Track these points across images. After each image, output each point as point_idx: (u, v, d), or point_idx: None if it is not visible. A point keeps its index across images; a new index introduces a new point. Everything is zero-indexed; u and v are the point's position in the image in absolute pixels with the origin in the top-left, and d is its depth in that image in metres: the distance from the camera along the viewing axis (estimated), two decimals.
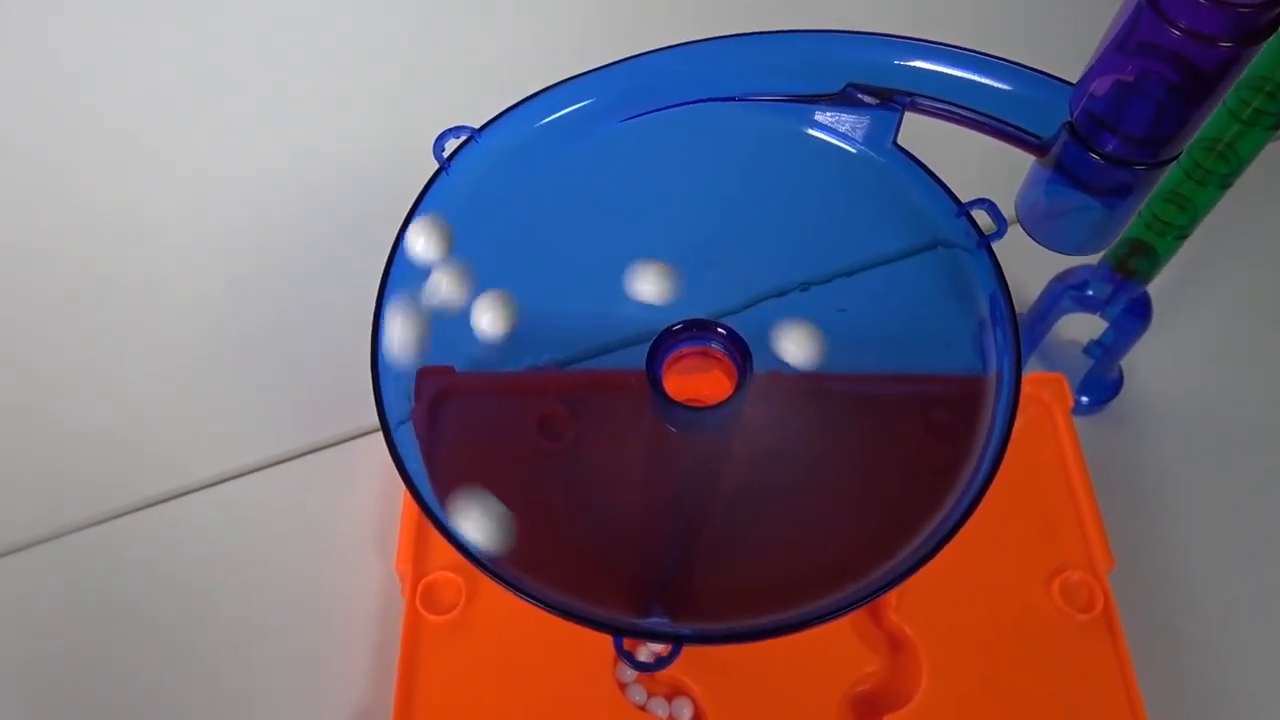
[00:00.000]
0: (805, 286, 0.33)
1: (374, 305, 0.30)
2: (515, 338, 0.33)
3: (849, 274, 0.33)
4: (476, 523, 0.29)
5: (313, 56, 0.57)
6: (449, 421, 0.32)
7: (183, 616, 0.41)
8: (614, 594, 0.30)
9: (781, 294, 0.33)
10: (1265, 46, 0.35)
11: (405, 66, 0.57)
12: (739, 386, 0.30)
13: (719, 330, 0.30)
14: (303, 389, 0.46)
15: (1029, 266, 0.47)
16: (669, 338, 0.30)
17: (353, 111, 0.55)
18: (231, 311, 0.48)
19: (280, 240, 0.50)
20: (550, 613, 0.27)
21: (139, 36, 0.58)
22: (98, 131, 0.54)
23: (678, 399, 0.30)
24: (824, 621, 0.28)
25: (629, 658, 0.28)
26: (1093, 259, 0.43)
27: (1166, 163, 0.27)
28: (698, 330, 0.30)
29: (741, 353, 0.30)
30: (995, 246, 0.31)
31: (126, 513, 0.43)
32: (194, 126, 0.55)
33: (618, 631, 0.27)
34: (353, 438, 0.45)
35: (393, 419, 0.29)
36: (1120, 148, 0.27)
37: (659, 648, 0.32)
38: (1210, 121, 0.37)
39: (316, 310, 0.48)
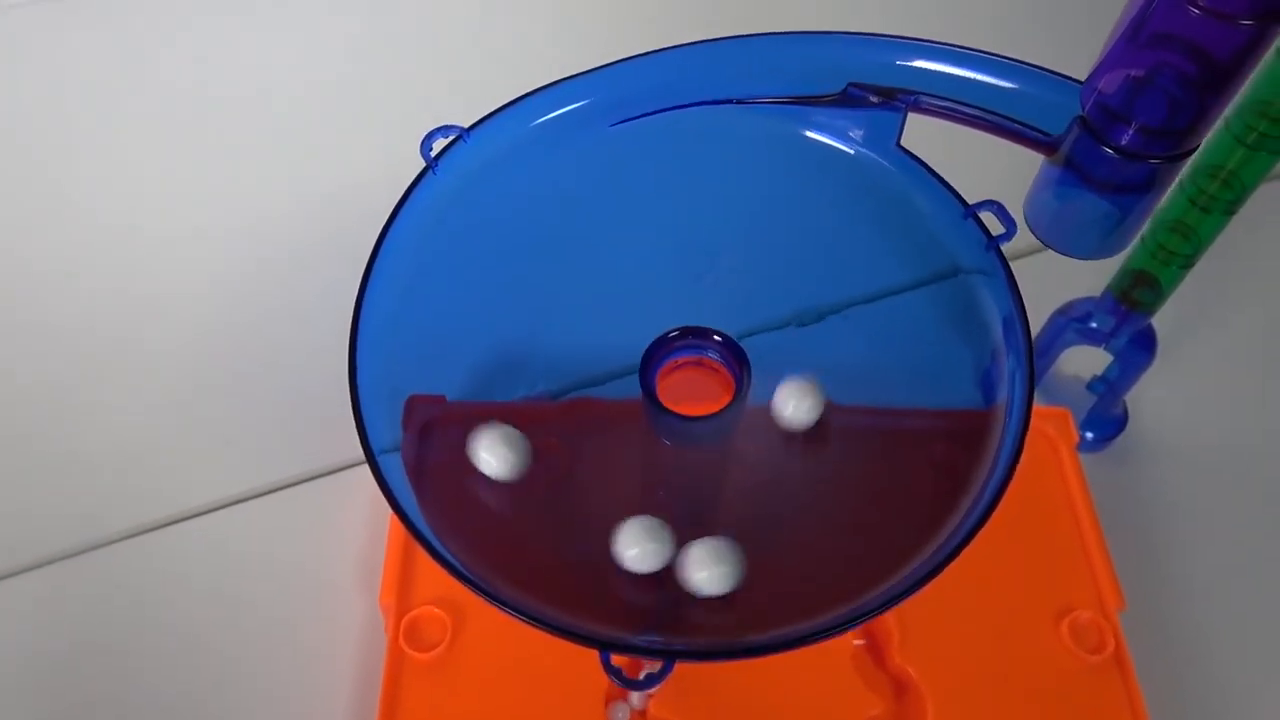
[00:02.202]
0: (802, 323, 0.32)
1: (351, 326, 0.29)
2: (508, 366, 0.32)
3: (851, 305, 0.32)
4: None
5: (313, 86, 0.57)
6: (438, 451, 0.32)
7: (159, 649, 0.40)
8: (608, 621, 0.29)
9: (781, 326, 0.32)
10: (1268, 70, 0.35)
11: (405, 93, 0.57)
12: (736, 395, 0.28)
13: (715, 338, 0.29)
14: (289, 419, 0.46)
15: (1031, 299, 0.46)
16: (663, 345, 0.29)
17: (350, 141, 0.54)
18: (218, 341, 0.48)
19: (269, 270, 0.50)
20: (537, 627, 0.26)
21: (135, 61, 0.58)
22: (88, 157, 0.54)
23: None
24: (810, 642, 0.26)
25: (618, 675, 0.26)
26: (1095, 290, 0.42)
27: (1185, 155, 0.26)
28: (694, 338, 0.29)
29: (739, 361, 0.29)
30: None
31: (105, 544, 0.42)
32: (187, 154, 0.54)
33: (605, 646, 0.26)
34: (340, 469, 0.44)
35: (376, 444, 0.28)
36: (1135, 140, 0.26)
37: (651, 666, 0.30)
38: (1213, 147, 0.37)
39: (305, 340, 0.47)
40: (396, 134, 0.39)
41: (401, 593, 0.38)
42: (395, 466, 0.28)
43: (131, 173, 0.54)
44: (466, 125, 0.31)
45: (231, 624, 0.41)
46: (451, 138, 0.30)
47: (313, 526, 0.43)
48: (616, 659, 0.26)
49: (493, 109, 0.31)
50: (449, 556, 0.26)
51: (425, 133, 0.30)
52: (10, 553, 0.42)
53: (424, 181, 0.30)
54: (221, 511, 0.43)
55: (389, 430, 0.29)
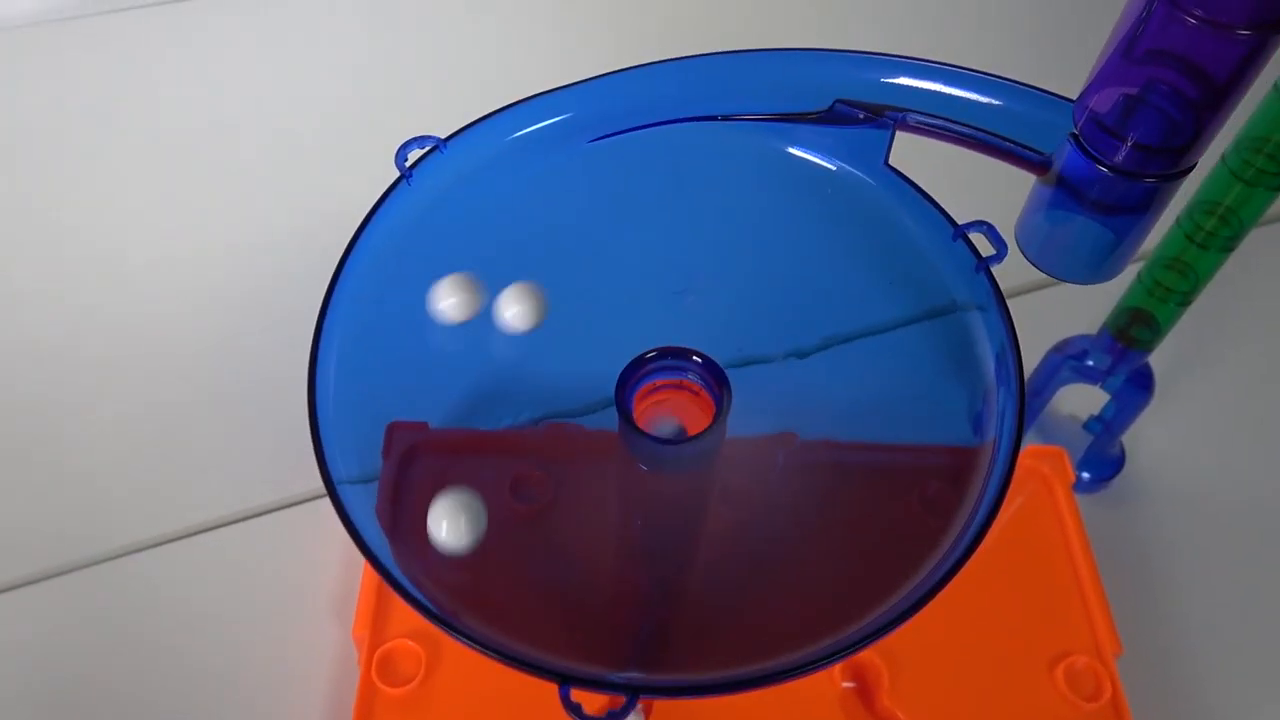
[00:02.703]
0: (801, 355, 0.31)
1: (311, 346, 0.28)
2: (491, 394, 0.32)
3: (839, 333, 0.31)
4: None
5: (303, 112, 0.57)
6: (419, 479, 0.31)
7: (130, 675, 0.39)
8: (589, 656, 0.28)
9: (766, 360, 0.31)
10: (1265, 106, 0.34)
11: (401, 113, 0.57)
12: (715, 418, 0.27)
13: (694, 359, 0.28)
14: (267, 445, 0.45)
15: (1026, 336, 0.45)
16: (640, 366, 0.28)
17: (337, 163, 0.54)
18: (198, 366, 0.48)
19: (250, 294, 0.49)
20: (489, 656, 0.25)
21: (128, 85, 0.58)
22: (79, 178, 0.54)
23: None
24: (779, 681, 0.25)
25: (577, 712, 0.24)
26: (1091, 327, 0.42)
27: (1182, 174, 0.25)
28: (672, 359, 0.28)
29: (719, 383, 0.27)
30: None
31: (78, 568, 0.42)
32: (172, 177, 0.54)
33: (562, 680, 0.24)
34: (317, 497, 0.44)
35: (337, 474, 0.27)
36: (1130, 158, 0.25)
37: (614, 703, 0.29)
38: (1211, 182, 0.36)
39: (286, 364, 0.46)
40: (388, 153, 0.39)
41: (376, 625, 0.37)
42: (357, 495, 0.27)
43: (119, 194, 0.54)
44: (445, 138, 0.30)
45: (202, 651, 0.40)
46: (428, 148, 0.30)
47: (288, 555, 0.42)
48: (582, 695, 0.24)
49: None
50: (397, 575, 0.25)
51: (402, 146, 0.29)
52: None
53: (397, 193, 0.29)
54: (196, 537, 0.43)
55: (363, 456, 0.28)
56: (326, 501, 0.41)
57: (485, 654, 0.25)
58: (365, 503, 0.27)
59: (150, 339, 0.48)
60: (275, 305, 0.49)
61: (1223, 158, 0.36)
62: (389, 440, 0.30)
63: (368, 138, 0.54)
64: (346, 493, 0.26)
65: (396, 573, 0.26)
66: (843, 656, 0.25)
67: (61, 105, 0.57)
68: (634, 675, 0.26)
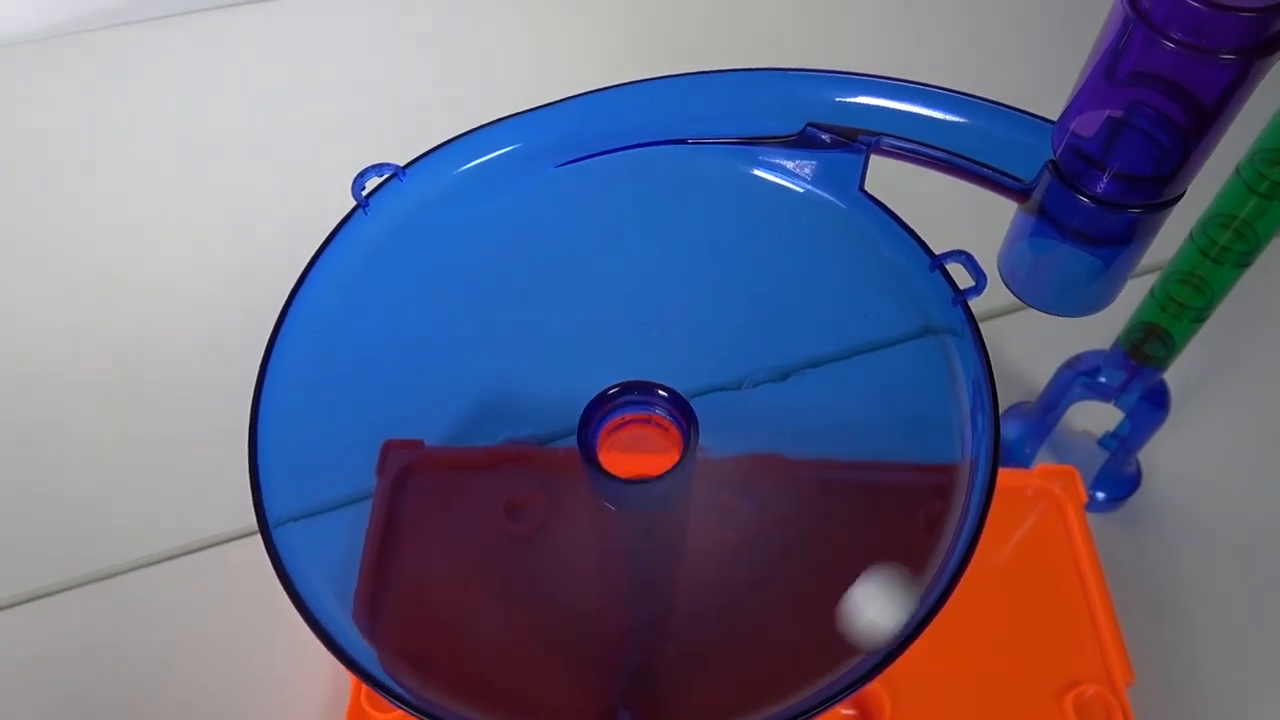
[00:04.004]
0: (775, 380, 0.30)
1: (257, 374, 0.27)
2: (484, 412, 0.31)
3: (811, 361, 0.30)
4: None
5: (296, 124, 0.57)
6: (412, 499, 0.31)
7: (121, 697, 0.39)
8: (578, 691, 0.28)
9: (737, 387, 0.31)
10: (1278, 116, 0.33)
11: (390, 134, 0.56)
12: (683, 457, 0.26)
13: (660, 393, 0.27)
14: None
15: (1036, 351, 0.44)
16: (604, 403, 0.27)
17: (337, 185, 0.53)
18: (196, 383, 0.48)
19: (253, 307, 0.48)
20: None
21: (125, 99, 0.58)
22: (69, 194, 0.54)
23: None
24: None
25: None
26: (1105, 342, 0.40)
27: (1169, 204, 0.24)
28: (638, 393, 0.27)
29: (685, 417, 0.26)
30: (998, 326, 0.27)
31: (68, 588, 0.42)
32: (172, 196, 0.54)
33: None
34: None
35: (272, 515, 0.26)
36: (1112, 188, 0.24)
37: None
38: (1224, 196, 0.35)
39: None
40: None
41: None
42: (296, 538, 0.27)
43: (112, 211, 0.54)
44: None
45: (195, 671, 0.40)
46: (386, 176, 0.29)
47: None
48: None
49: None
50: (326, 629, 0.25)
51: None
52: None
53: (352, 222, 0.29)
54: (189, 556, 0.43)
55: (308, 490, 0.28)
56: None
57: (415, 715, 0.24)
58: (313, 545, 0.27)
59: (145, 357, 0.48)
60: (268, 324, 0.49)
61: (1237, 169, 0.34)
62: (383, 459, 0.30)
63: (365, 153, 0.55)
64: (282, 535, 0.26)
65: (326, 623, 0.25)
66: (827, 707, 0.24)
67: (50, 122, 0.58)
68: None
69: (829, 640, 0.27)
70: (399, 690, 0.24)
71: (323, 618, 0.25)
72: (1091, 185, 0.24)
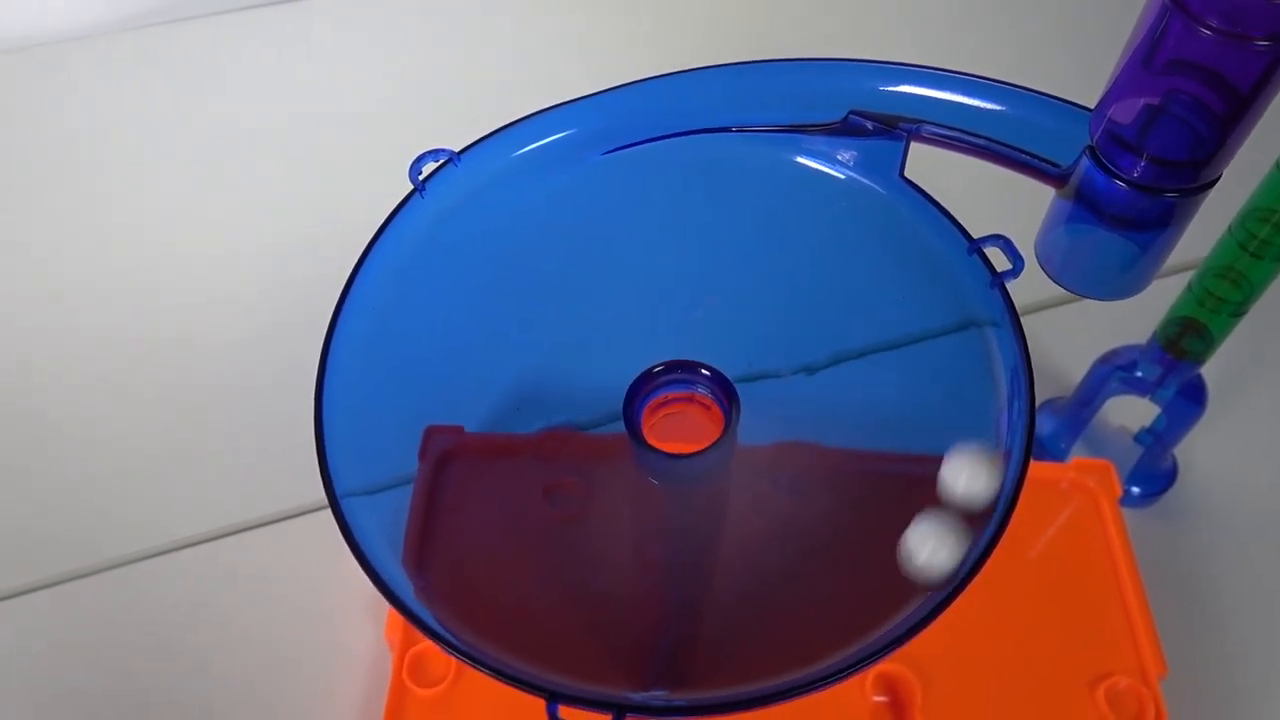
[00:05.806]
0: (810, 370, 0.31)
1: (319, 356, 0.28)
2: (523, 399, 0.31)
3: (853, 348, 0.31)
4: None
5: (321, 122, 0.58)
6: (453, 484, 0.31)
7: (162, 676, 0.40)
8: (614, 671, 0.28)
9: (779, 375, 0.31)
10: None
11: (421, 130, 0.56)
12: (725, 432, 0.27)
13: (703, 372, 0.27)
14: (301, 449, 0.44)
15: (1072, 346, 0.44)
16: (648, 381, 0.28)
17: (367, 173, 0.53)
18: (228, 369, 0.48)
19: (282, 296, 0.50)
20: (475, 667, 0.25)
21: (146, 100, 0.59)
22: (87, 195, 0.55)
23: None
24: (775, 702, 0.25)
25: None
26: (1141, 336, 0.40)
27: (1205, 187, 0.24)
28: (681, 372, 0.27)
29: (728, 396, 0.27)
30: (1034, 321, 0.28)
31: (108, 568, 0.42)
32: (194, 191, 0.55)
33: (552, 698, 0.24)
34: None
35: (340, 486, 0.27)
36: (1149, 172, 0.24)
37: None
38: (1265, 190, 0.35)
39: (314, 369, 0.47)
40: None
41: (408, 627, 0.37)
42: (359, 508, 0.27)
43: (135, 205, 0.54)
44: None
45: (236, 652, 0.40)
46: (441, 161, 0.30)
47: (322, 555, 0.42)
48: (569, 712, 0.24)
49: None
50: (384, 578, 0.25)
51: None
52: (15, 573, 0.42)
53: (410, 205, 0.29)
54: (230, 538, 0.43)
55: (369, 468, 0.28)
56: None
57: (469, 664, 0.25)
58: (371, 516, 0.27)
59: (180, 339, 0.49)
60: (308, 306, 0.48)
61: (1276, 163, 0.34)
62: (425, 443, 0.31)
63: (393, 147, 0.55)
64: (350, 505, 0.26)
65: (387, 579, 0.26)
66: (834, 681, 0.25)
67: (76, 122, 0.58)
68: (626, 695, 0.26)
69: (861, 626, 0.28)
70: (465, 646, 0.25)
71: (389, 579, 0.25)
72: (1128, 170, 0.25)
